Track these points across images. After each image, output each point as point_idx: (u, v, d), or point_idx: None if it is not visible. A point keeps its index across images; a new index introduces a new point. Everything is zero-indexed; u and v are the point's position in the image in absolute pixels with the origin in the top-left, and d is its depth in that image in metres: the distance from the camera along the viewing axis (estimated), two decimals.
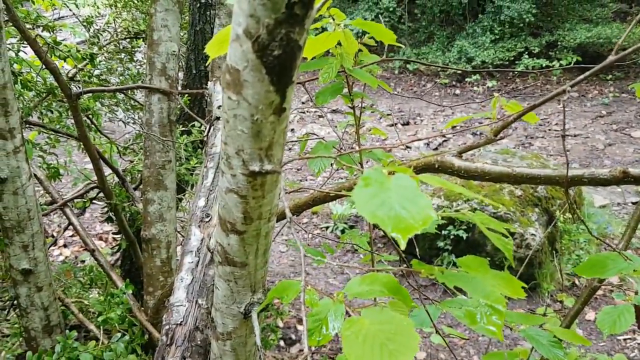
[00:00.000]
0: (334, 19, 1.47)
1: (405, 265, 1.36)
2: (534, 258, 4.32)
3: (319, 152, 2.25)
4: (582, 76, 0.98)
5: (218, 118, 1.88)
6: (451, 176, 1.28)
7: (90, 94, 2.76)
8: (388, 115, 8.93)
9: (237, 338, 1.26)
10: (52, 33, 3.22)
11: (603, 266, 1.09)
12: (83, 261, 4.57)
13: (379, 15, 11.41)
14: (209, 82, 2.10)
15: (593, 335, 3.83)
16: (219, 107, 1.92)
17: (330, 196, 1.51)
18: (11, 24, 1.91)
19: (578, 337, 1.38)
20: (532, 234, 4.37)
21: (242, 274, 1.14)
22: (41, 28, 3.18)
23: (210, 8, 3.10)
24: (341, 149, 2.30)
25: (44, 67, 1.97)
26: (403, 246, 0.77)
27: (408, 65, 11.31)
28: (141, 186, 3.18)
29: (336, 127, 2.53)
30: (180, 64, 3.10)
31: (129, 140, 3.74)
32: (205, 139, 1.83)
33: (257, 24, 0.89)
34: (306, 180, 6.89)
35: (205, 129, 2.29)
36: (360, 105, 2.33)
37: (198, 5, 3.06)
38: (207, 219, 1.58)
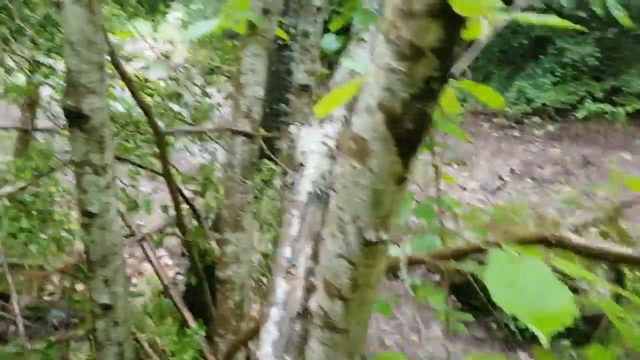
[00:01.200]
0: None
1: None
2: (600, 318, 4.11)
3: None
4: None
5: (302, 164, 1.89)
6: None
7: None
8: (444, 146, 8.80)
9: None
10: (128, 63, 3.36)
11: None
12: (135, 285, 4.65)
13: None
14: (292, 126, 2.12)
15: None
16: (302, 153, 1.93)
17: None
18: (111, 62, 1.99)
19: None
20: (599, 292, 4.16)
21: (341, 341, 1.11)
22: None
23: (285, 49, 3.16)
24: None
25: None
26: (545, 343, 0.73)
27: (465, 104, 11.20)
28: (210, 217, 3.23)
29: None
30: None
31: (195, 170, 3.82)
32: (288, 185, 1.83)
33: (392, 98, 0.88)
34: None
35: (282, 171, 2.30)
36: (440, 155, 2.30)
37: (276, 46, 3.13)
38: (292, 270, 1.56)
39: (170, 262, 5.28)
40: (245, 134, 2.09)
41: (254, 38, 2.10)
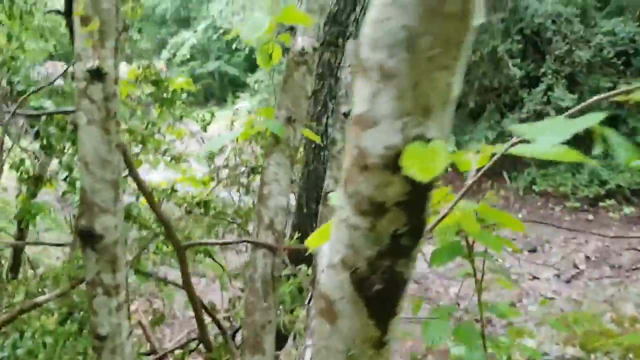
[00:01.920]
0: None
1: None
2: None
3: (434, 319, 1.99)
4: None
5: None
6: None
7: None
8: (483, 256, 8.33)
9: None
10: (178, 163, 3.40)
11: None
12: None
13: (502, 135, 11.13)
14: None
15: None
16: (323, 272, 1.79)
17: None
18: (130, 177, 1.97)
19: None
20: None
21: None
22: (170, 157, 3.38)
23: (324, 149, 3.11)
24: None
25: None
26: None
27: (534, 186, 10.71)
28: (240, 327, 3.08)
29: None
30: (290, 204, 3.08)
31: (239, 266, 3.74)
32: (306, 307, 1.68)
33: (356, 255, 0.75)
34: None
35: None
36: (482, 268, 2.09)
37: (313, 145, 3.10)
38: None
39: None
40: (267, 247, 1.98)
41: (278, 147, 2.05)
